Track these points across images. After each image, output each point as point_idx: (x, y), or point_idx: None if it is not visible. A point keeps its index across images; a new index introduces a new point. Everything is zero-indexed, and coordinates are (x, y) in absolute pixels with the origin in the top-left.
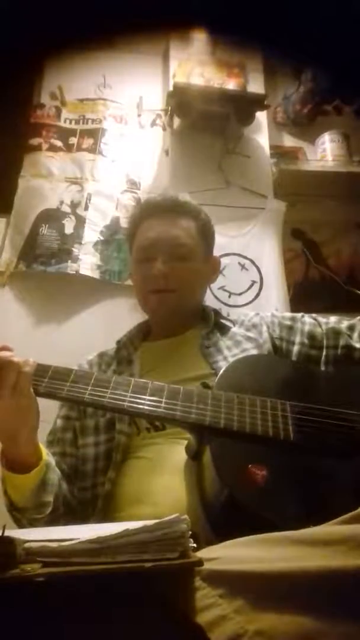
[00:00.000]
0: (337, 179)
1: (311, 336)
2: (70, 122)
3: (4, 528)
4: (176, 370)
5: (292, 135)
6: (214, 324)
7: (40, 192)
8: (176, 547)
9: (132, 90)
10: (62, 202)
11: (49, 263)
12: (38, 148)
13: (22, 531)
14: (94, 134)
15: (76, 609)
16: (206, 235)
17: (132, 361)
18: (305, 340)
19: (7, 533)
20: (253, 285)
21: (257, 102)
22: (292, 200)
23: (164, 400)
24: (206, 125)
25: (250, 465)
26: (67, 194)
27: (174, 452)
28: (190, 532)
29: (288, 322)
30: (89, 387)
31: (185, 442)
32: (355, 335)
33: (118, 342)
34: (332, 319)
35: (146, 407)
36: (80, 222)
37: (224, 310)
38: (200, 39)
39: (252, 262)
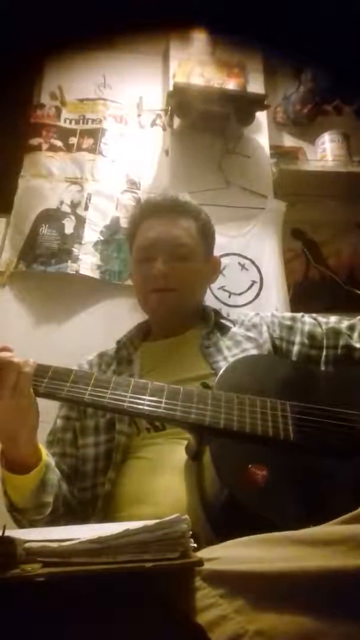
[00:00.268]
0: (337, 179)
1: (311, 336)
2: (70, 122)
3: (4, 528)
4: (176, 371)
5: (292, 135)
6: (214, 324)
7: (40, 192)
8: (177, 547)
9: (132, 90)
10: (62, 202)
11: (49, 263)
12: (38, 148)
13: (22, 531)
14: (94, 134)
15: (76, 609)
16: (206, 235)
17: (132, 361)
18: (305, 340)
19: (8, 533)
20: (253, 285)
21: (257, 102)
22: (292, 200)
23: (163, 400)
24: (206, 125)
25: (250, 465)
26: (67, 194)
27: (174, 453)
28: (190, 532)
29: (288, 322)
30: (89, 388)
31: (185, 442)
32: (355, 335)
33: (118, 342)
34: (332, 319)
35: (146, 408)
36: (80, 222)
37: (224, 310)
38: (200, 39)
39: (252, 262)
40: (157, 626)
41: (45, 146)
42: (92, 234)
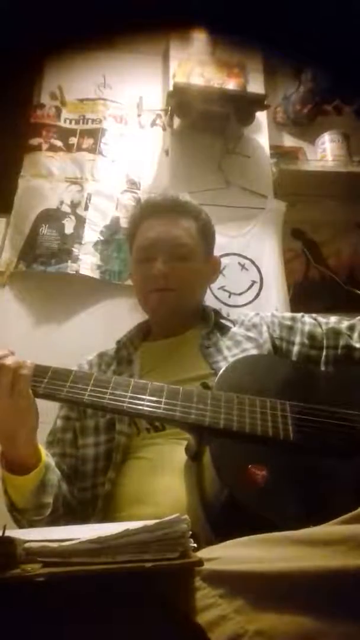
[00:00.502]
0: (337, 179)
1: (311, 336)
2: (70, 122)
3: (4, 528)
4: (176, 371)
5: (292, 135)
6: (214, 324)
7: (40, 192)
8: (176, 547)
9: (132, 90)
10: (62, 202)
11: (49, 263)
12: (38, 148)
13: (22, 531)
14: (94, 134)
15: (76, 609)
16: (206, 235)
17: (132, 361)
18: (306, 341)
19: (8, 533)
20: (253, 285)
21: (257, 102)
22: (292, 200)
23: (163, 400)
24: (206, 125)
25: (250, 466)
26: (67, 194)
27: (174, 453)
28: (190, 532)
29: (288, 322)
30: (89, 388)
31: (185, 442)
32: (356, 335)
33: (118, 342)
34: (332, 319)
35: (146, 408)
36: (80, 222)
37: (224, 310)
38: (200, 39)
39: (252, 262)
40: (157, 626)
41: (45, 146)
42: (92, 234)
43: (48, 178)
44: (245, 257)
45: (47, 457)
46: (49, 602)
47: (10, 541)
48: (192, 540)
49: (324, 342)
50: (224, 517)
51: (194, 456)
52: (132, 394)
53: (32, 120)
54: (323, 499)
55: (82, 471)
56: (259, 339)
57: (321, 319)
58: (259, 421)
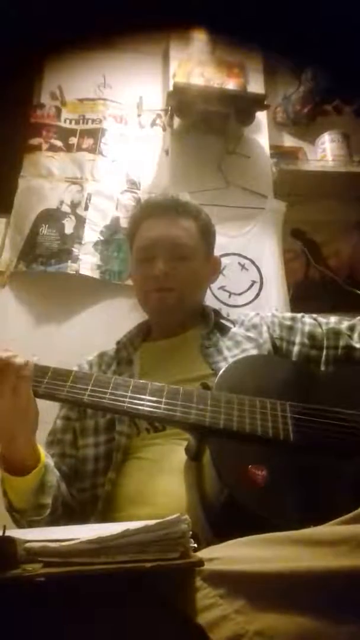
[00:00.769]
0: (337, 179)
1: (311, 336)
2: (70, 122)
3: (4, 528)
4: (176, 371)
5: (292, 135)
6: (214, 324)
7: (40, 192)
8: (177, 547)
9: (132, 90)
10: (62, 202)
11: (49, 263)
12: (38, 148)
13: (22, 531)
14: (94, 134)
15: (76, 609)
16: (207, 235)
17: (132, 361)
18: (306, 341)
19: (8, 533)
20: (253, 285)
21: (257, 102)
22: (292, 200)
23: (163, 400)
24: (206, 126)
25: (250, 466)
26: (67, 194)
27: (174, 453)
28: (190, 532)
29: (288, 322)
30: (89, 388)
31: (185, 442)
32: (356, 335)
33: (118, 342)
34: (333, 320)
35: (146, 408)
36: (80, 222)
37: (224, 310)
38: (200, 39)
39: (252, 262)
40: (157, 626)
41: (45, 146)
42: (92, 234)
43: (48, 178)
44: (245, 257)
45: (46, 457)
46: (49, 602)
47: (11, 541)
48: (192, 540)
49: (324, 342)
50: (224, 517)
51: (194, 456)
52: (132, 394)
53: (32, 120)
54: (323, 499)
55: (81, 472)
56: (259, 339)
57: (321, 319)
58: (259, 421)
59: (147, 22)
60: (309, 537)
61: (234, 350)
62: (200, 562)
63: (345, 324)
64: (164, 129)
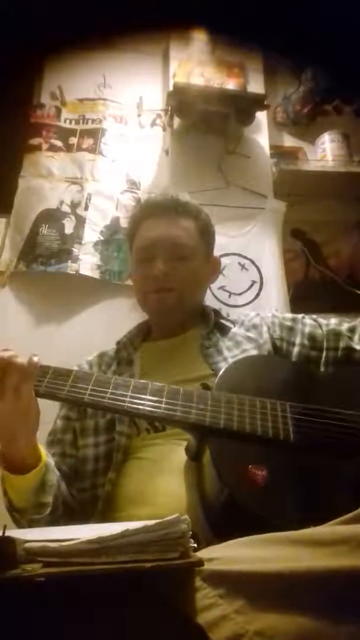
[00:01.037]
0: (337, 179)
1: (312, 337)
2: (70, 122)
3: (4, 528)
4: (176, 371)
5: (292, 135)
6: (214, 324)
7: (40, 192)
8: (176, 547)
9: (132, 90)
10: (62, 202)
11: (49, 263)
12: (38, 148)
13: (22, 531)
14: (94, 134)
15: (76, 609)
16: (206, 235)
17: (132, 362)
18: (306, 342)
19: (8, 533)
20: (253, 285)
21: (257, 102)
22: (292, 200)
23: (164, 400)
24: (206, 126)
25: (250, 466)
26: (67, 194)
27: (174, 453)
28: (190, 532)
29: (289, 323)
30: (89, 388)
31: (185, 442)
32: (356, 337)
33: (118, 342)
34: (333, 321)
35: (146, 408)
36: (80, 222)
37: (224, 310)
38: (200, 39)
39: (252, 262)
40: (156, 626)
41: (45, 146)
42: (92, 234)
43: (48, 178)
44: (245, 257)
45: (47, 457)
46: (49, 602)
47: (11, 541)
48: (192, 540)
49: (324, 343)
50: (224, 517)
51: (194, 456)
52: (132, 394)
53: (32, 120)
54: (323, 499)
55: (81, 472)
56: (259, 340)
57: (322, 320)
58: (259, 421)
59: (147, 22)
60: (309, 537)
61: (234, 350)
62: (200, 562)
63: (345, 326)
64: (164, 129)
